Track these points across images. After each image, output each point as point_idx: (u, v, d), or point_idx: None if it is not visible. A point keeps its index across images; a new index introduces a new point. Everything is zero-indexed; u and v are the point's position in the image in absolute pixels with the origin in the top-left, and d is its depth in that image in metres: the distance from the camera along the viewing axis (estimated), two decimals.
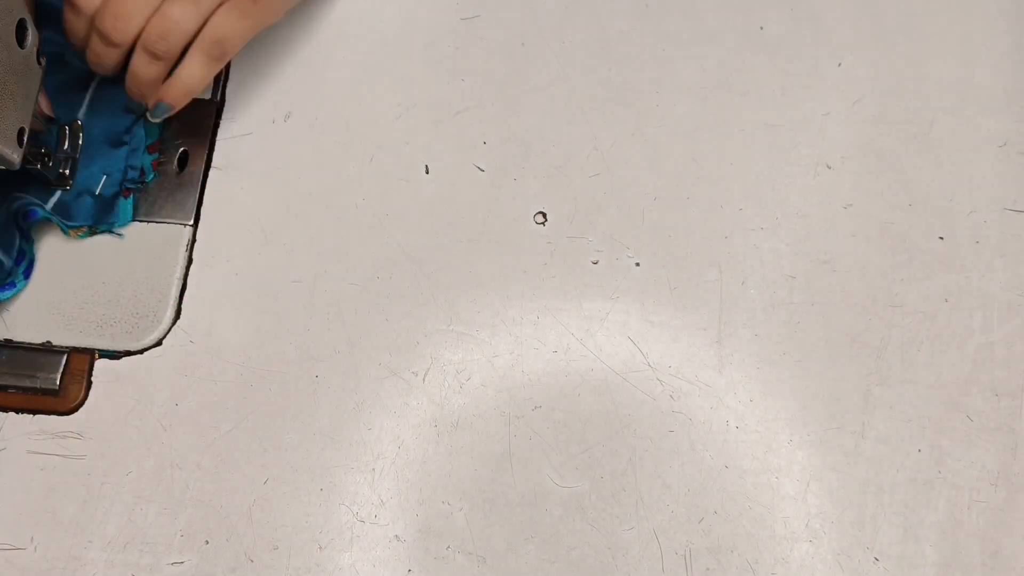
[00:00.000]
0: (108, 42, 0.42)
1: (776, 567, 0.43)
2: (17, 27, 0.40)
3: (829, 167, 0.49)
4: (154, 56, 0.42)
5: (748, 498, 0.44)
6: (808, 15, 0.51)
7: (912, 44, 0.51)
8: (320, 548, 0.43)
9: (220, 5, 0.43)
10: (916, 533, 0.43)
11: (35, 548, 0.43)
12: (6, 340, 0.46)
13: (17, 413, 0.45)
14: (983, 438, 0.44)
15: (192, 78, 0.43)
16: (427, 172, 0.49)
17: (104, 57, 0.43)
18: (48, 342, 0.46)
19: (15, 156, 0.40)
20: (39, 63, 0.42)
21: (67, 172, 0.45)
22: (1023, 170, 0.48)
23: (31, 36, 0.41)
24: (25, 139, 0.41)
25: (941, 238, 0.47)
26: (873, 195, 0.48)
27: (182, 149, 0.49)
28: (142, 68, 0.43)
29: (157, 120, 0.44)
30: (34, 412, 0.45)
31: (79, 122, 0.46)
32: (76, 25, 0.44)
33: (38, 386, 0.45)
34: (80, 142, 0.46)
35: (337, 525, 0.43)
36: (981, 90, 0.50)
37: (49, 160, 0.44)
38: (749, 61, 0.50)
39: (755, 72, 0.50)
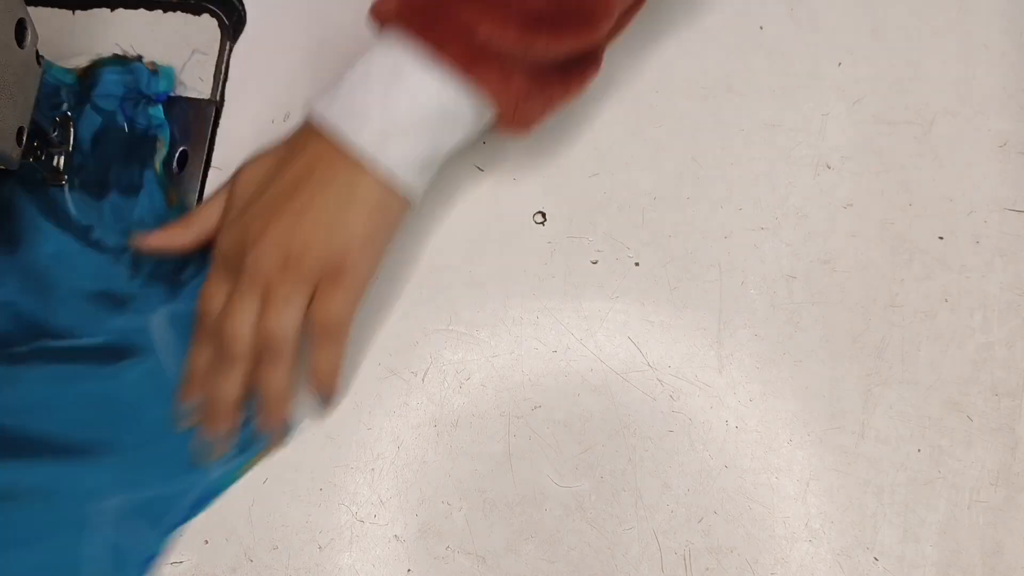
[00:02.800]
0: (229, 365, 0.42)
1: (776, 567, 0.43)
2: (16, 27, 0.40)
3: (829, 167, 0.49)
4: (272, 361, 0.42)
5: (748, 498, 0.44)
6: (808, 15, 0.51)
7: (912, 44, 0.51)
8: (320, 548, 0.43)
9: (315, 291, 0.42)
10: (916, 533, 0.43)
11: None
12: None
13: None
14: (983, 438, 0.44)
15: (330, 364, 0.43)
16: None
17: (223, 389, 0.43)
18: None
19: (15, 156, 0.41)
20: (38, 63, 0.42)
21: (60, 166, 0.45)
22: (1023, 170, 0.48)
23: (30, 36, 0.41)
24: (24, 139, 0.41)
25: (941, 238, 0.47)
26: (873, 195, 0.48)
27: (182, 149, 0.49)
28: (266, 375, 0.42)
29: (326, 413, 0.44)
30: None
31: (69, 115, 0.46)
32: (199, 361, 0.44)
33: None
34: (71, 135, 0.46)
35: (337, 525, 0.43)
36: (981, 90, 0.50)
37: (42, 154, 0.44)
38: (749, 61, 0.50)
39: (755, 72, 0.50)
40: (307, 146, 0.42)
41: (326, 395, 0.44)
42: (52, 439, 0.43)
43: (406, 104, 0.40)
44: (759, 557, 0.43)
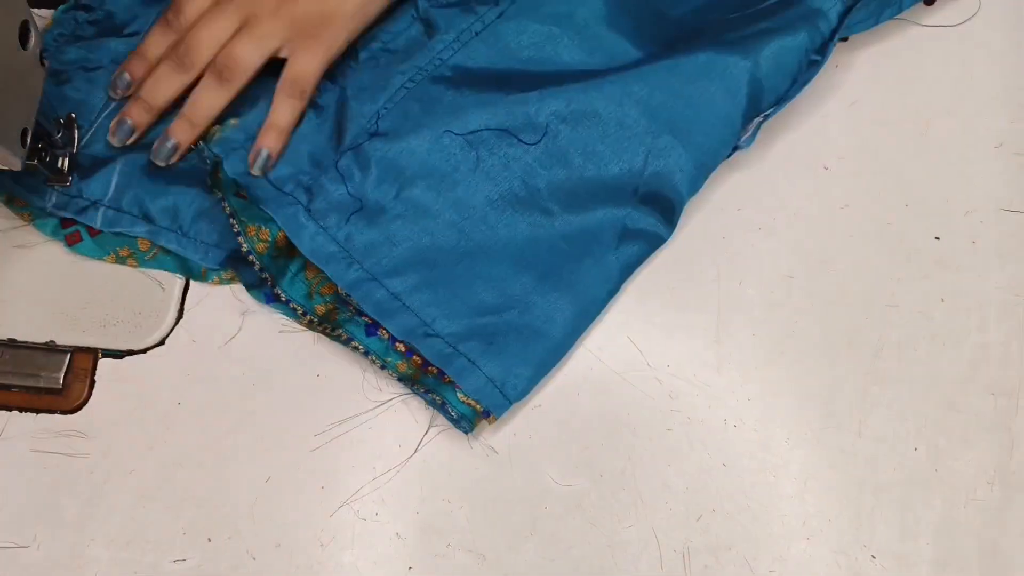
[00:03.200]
0: (179, 67, 0.44)
1: (774, 565, 0.43)
2: (20, 29, 0.40)
3: (826, 168, 0.49)
4: (220, 80, 0.44)
5: (746, 496, 0.44)
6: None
7: (909, 44, 0.51)
8: (321, 546, 0.43)
9: (285, 44, 0.44)
10: (913, 531, 0.43)
11: (38, 546, 0.43)
12: (10, 339, 0.46)
13: (21, 412, 0.45)
14: (979, 437, 0.45)
15: (283, 119, 0.44)
16: None
17: (164, 84, 0.45)
18: (51, 341, 0.46)
19: (18, 157, 0.41)
20: (42, 64, 0.42)
21: (64, 167, 0.45)
22: (1019, 171, 0.49)
23: (34, 37, 0.41)
24: (28, 140, 0.41)
25: (938, 238, 0.48)
26: (870, 195, 0.48)
27: None
28: (207, 92, 0.44)
29: (258, 173, 0.44)
30: (37, 411, 0.45)
31: (73, 115, 0.46)
32: (153, 48, 0.45)
33: (41, 385, 0.45)
34: (76, 136, 0.46)
35: (338, 523, 0.43)
36: (978, 91, 0.50)
37: (46, 155, 0.44)
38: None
39: None
40: None
41: (273, 151, 0.44)
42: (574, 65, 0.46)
43: None
44: (757, 555, 0.43)
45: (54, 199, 0.46)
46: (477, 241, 0.44)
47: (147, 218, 0.46)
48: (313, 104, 0.46)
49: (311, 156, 0.44)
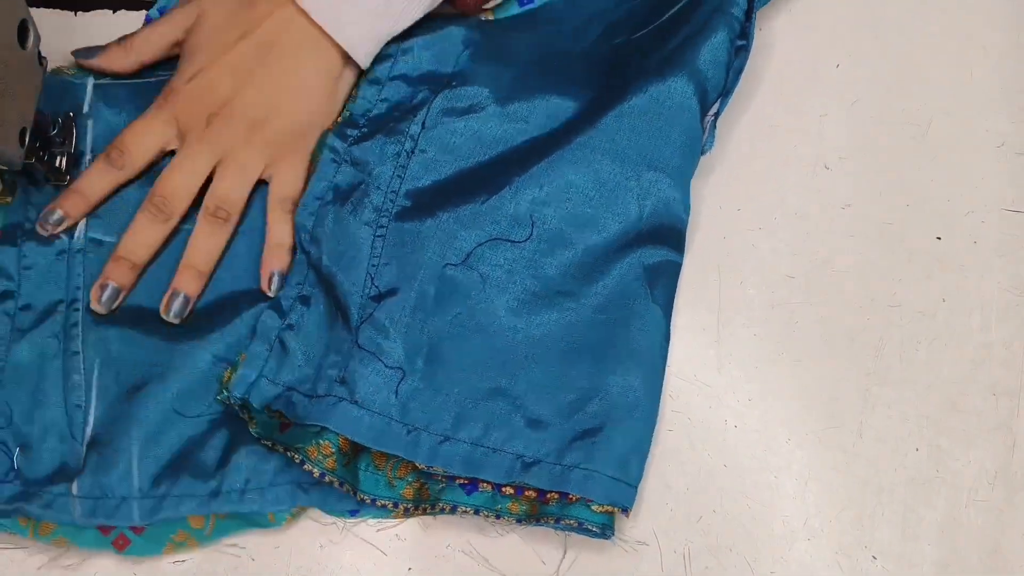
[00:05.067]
0: (158, 216, 0.43)
1: (775, 566, 0.43)
2: (19, 28, 0.40)
3: (827, 167, 0.49)
4: (214, 223, 0.44)
5: (747, 497, 0.44)
6: (807, 16, 0.51)
7: (911, 44, 0.51)
8: (321, 547, 0.43)
9: (266, 167, 0.44)
10: (915, 532, 0.43)
11: (38, 547, 0.43)
12: None
13: None
14: (981, 437, 0.44)
15: (285, 237, 0.44)
16: None
17: (144, 237, 0.43)
18: None
19: (17, 156, 0.41)
20: (40, 64, 0.42)
21: (63, 166, 0.45)
22: (1021, 170, 0.49)
23: (32, 37, 0.41)
24: (27, 139, 0.41)
25: (939, 238, 0.48)
26: (871, 195, 0.48)
27: None
28: (205, 238, 0.44)
29: (275, 293, 0.43)
30: None
31: (71, 115, 0.45)
32: (94, 186, 0.44)
33: None
34: (74, 135, 0.45)
35: (338, 524, 0.43)
36: (979, 91, 0.50)
37: (45, 155, 0.44)
38: (748, 62, 0.50)
39: (754, 73, 0.50)
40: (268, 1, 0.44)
41: (283, 270, 0.44)
42: None
43: None
44: (758, 556, 0.43)
45: (78, 509, 0.41)
46: (519, 355, 0.43)
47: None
48: (300, 297, 0.43)
49: (328, 348, 0.42)
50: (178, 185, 0.43)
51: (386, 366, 0.42)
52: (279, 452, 0.42)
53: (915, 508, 0.44)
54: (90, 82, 0.47)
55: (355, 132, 0.45)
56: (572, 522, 0.41)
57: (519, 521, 0.42)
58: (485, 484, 0.42)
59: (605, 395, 0.42)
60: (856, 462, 0.44)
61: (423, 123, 0.45)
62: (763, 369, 0.46)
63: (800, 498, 0.44)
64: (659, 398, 0.43)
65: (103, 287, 0.43)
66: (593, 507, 0.41)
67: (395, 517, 0.43)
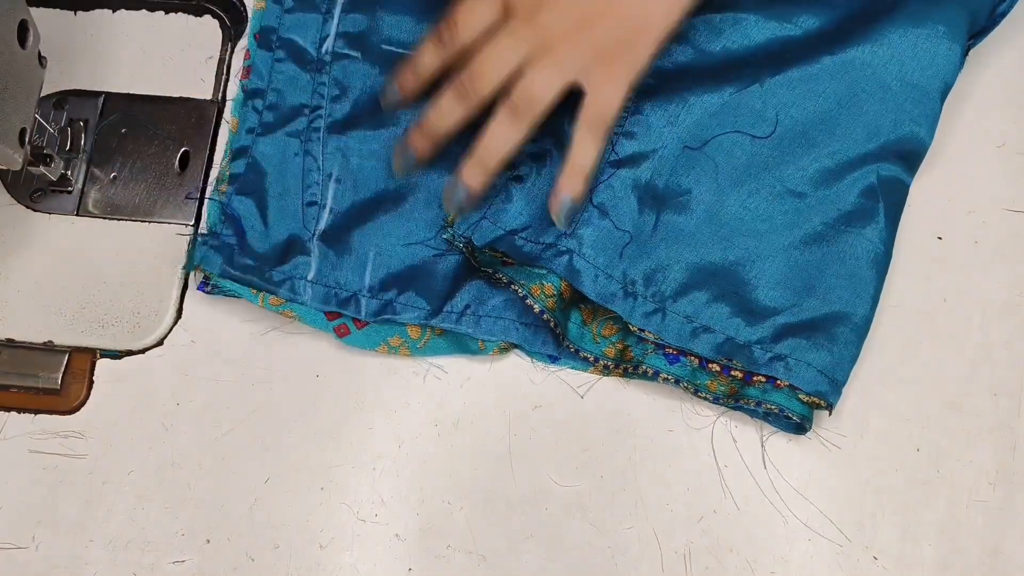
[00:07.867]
0: (462, 97, 0.41)
1: (775, 566, 0.43)
2: (19, 28, 0.40)
3: None
4: (514, 117, 0.41)
5: (747, 497, 0.44)
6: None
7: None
8: (321, 547, 0.43)
9: (583, 73, 0.40)
10: (915, 532, 0.43)
11: (37, 547, 0.43)
12: (8, 340, 0.46)
13: (19, 412, 0.45)
14: (982, 438, 0.44)
15: (588, 160, 0.41)
16: None
17: (447, 114, 0.42)
18: (50, 342, 0.46)
19: (17, 157, 0.41)
20: (40, 64, 0.42)
21: (69, 173, 0.45)
22: (1021, 170, 0.48)
23: (32, 36, 0.41)
24: (27, 140, 0.41)
25: (940, 238, 0.48)
26: None
27: (183, 149, 0.49)
28: (501, 129, 0.41)
29: (564, 224, 0.42)
30: (36, 412, 0.45)
31: (80, 123, 0.46)
32: (425, 63, 0.43)
33: (40, 386, 0.45)
34: (83, 143, 0.46)
35: (338, 524, 0.43)
36: (980, 90, 0.50)
37: (51, 161, 0.44)
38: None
39: None
40: None
41: (576, 198, 0.41)
42: None
43: None
44: (759, 556, 0.43)
45: (310, 292, 0.45)
46: (744, 244, 0.43)
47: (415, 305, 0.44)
48: (531, 154, 0.43)
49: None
50: (488, 68, 0.41)
51: (616, 227, 0.43)
52: (501, 287, 0.44)
53: (915, 508, 0.44)
54: None
55: None
56: (773, 408, 0.42)
57: (715, 400, 0.43)
58: (692, 357, 0.43)
59: (824, 296, 0.43)
60: (857, 462, 0.44)
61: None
62: None
63: (801, 498, 0.44)
64: (873, 311, 0.43)
65: (404, 151, 0.44)
66: (800, 395, 0.41)
67: (593, 372, 0.45)
